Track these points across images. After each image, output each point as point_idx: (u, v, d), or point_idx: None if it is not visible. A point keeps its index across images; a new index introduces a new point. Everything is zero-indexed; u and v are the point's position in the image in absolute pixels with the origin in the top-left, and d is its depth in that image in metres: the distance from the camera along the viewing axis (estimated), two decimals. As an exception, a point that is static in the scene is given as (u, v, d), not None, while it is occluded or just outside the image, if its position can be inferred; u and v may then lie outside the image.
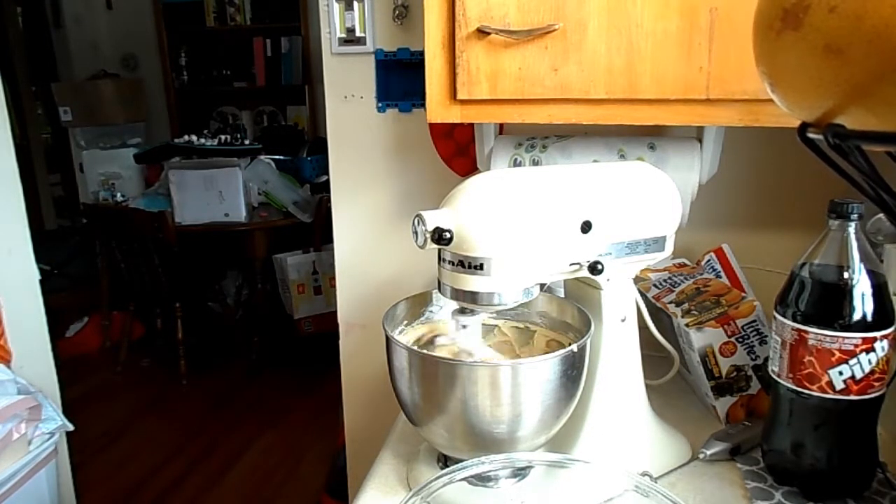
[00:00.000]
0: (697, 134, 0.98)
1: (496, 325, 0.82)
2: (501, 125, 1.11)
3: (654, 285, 0.98)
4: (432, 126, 1.19)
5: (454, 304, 0.70)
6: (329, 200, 1.32)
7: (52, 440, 1.54)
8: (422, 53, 0.85)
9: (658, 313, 0.92)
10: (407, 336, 0.79)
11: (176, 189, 2.87)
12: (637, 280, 0.81)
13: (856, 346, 0.66)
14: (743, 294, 0.91)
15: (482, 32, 0.78)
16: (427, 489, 0.60)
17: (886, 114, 0.33)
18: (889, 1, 0.30)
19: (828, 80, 0.34)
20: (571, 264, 0.69)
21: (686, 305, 0.90)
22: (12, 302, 1.60)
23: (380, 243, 1.30)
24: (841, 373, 0.67)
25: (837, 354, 0.67)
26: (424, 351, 0.74)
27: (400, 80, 1.21)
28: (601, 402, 0.75)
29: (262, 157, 3.09)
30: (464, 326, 0.71)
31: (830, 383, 0.68)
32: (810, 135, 0.39)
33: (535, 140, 1.02)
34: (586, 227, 0.68)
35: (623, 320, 0.74)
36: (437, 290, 0.71)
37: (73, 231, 4.02)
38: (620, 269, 0.72)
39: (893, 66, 0.31)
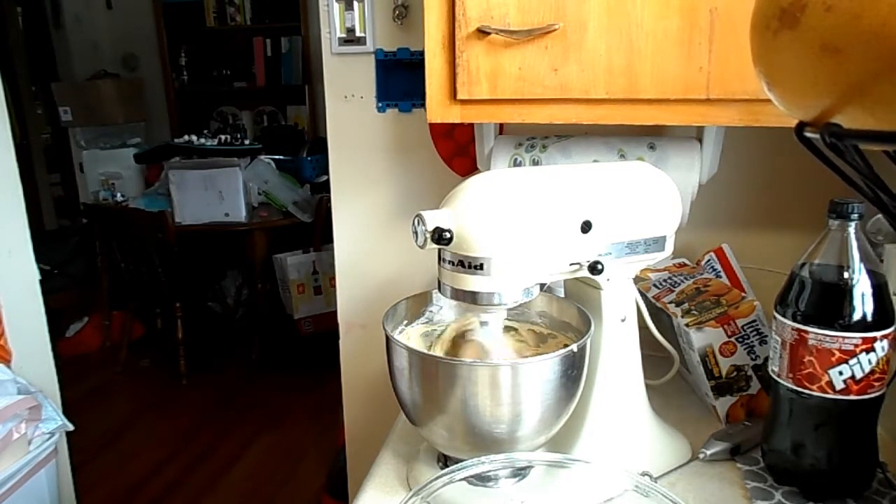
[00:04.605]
0: (697, 134, 0.98)
1: (515, 328, 0.82)
2: (501, 125, 1.11)
3: (654, 285, 0.98)
4: (432, 126, 1.19)
5: (454, 304, 0.70)
6: (329, 200, 1.32)
7: (52, 440, 1.54)
8: (422, 53, 0.85)
9: (658, 313, 0.92)
10: (408, 335, 0.79)
11: (176, 189, 2.87)
12: (637, 280, 0.81)
13: (856, 346, 0.66)
14: (743, 294, 0.91)
15: (482, 32, 0.78)
16: (427, 489, 0.60)
17: (883, 113, 0.33)
18: (885, 0, 0.30)
19: (824, 79, 0.34)
20: (571, 264, 0.69)
21: (686, 305, 0.90)
22: (12, 302, 1.60)
23: (380, 243, 1.30)
24: (841, 373, 0.67)
25: (837, 354, 0.67)
26: (424, 351, 0.74)
27: (400, 80, 1.21)
28: (601, 402, 0.75)
29: (262, 157, 3.09)
30: (483, 323, 0.71)
31: (830, 383, 0.68)
32: (807, 134, 0.39)
33: (535, 140, 1.02)
34: (586, 227, 0.68)
35: (623, 320, 0.74)
36: (437, 290, 0.71)
37: (73, 231, 4.01)
38: (620, 269, 0.72)
39: (890, 66, 0.31)
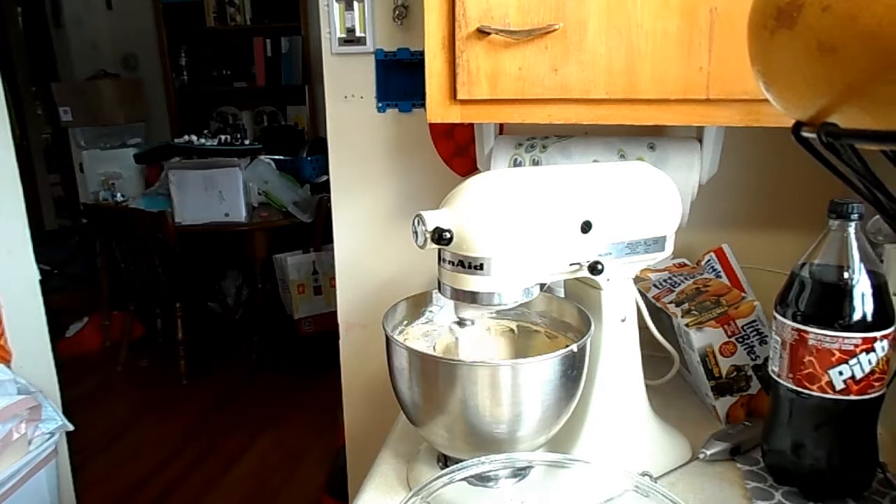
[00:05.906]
0: (697, 134, 0.98)
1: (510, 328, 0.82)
2: (501, 125, 1.11)
3: (654, 285, 0.98)
4: (432, 126, 1.19)
5: (454, 305, 0.70)
6: (329, 200, 1.32)
7: (52, 440, 1.54)
8: (422, 53, 0.85)
9: (658, 313, 0.92)
10: (408, 335, 0.79)
11: (176, 189, 2.87)
12: (637, 280, 0.81)
13: (856, 346, 0.66)
14: (743, 294, 0.91)
15: (482, 32, 0.78)
16: (427, 489, 0.60)
17: (879, 112, 0.33)
18: (882, 0, 0.30)
19: (821, 78, 0.34)
20: (571, 264, 0.69)
21: (686, 305, 0.90)
22: (12, 302, 1.60)
23: (380, 243, 1.30)
24: (841, 373, 0.67)
25: (837, 354, 0.67)
26: (424, 351, 0.74)
27: (400, 80, 1.21)
28: (601, 402, 0.75)
29: (262, 157, 3.09)
30: (456, 338, 0.71)
31: (830, 383, 0.68)
32: (804, 134, 0.39)
33: (535, 140, 1.02)
34: (586, 227, 0.68)
35: (623, 320, 0.74)
36: (437, 290, 0.71)
37: (73, 231, 4.01)
38: (620, 269, 0.72)
39: (886, 66, 0.31)
